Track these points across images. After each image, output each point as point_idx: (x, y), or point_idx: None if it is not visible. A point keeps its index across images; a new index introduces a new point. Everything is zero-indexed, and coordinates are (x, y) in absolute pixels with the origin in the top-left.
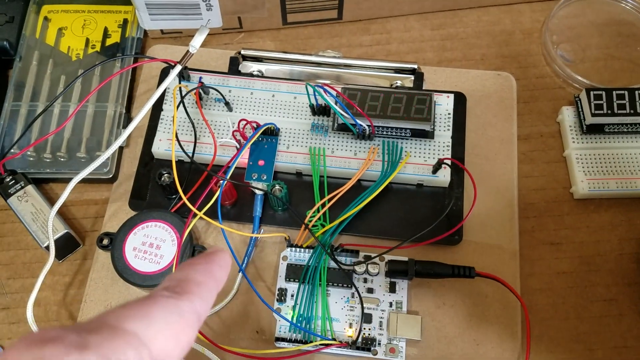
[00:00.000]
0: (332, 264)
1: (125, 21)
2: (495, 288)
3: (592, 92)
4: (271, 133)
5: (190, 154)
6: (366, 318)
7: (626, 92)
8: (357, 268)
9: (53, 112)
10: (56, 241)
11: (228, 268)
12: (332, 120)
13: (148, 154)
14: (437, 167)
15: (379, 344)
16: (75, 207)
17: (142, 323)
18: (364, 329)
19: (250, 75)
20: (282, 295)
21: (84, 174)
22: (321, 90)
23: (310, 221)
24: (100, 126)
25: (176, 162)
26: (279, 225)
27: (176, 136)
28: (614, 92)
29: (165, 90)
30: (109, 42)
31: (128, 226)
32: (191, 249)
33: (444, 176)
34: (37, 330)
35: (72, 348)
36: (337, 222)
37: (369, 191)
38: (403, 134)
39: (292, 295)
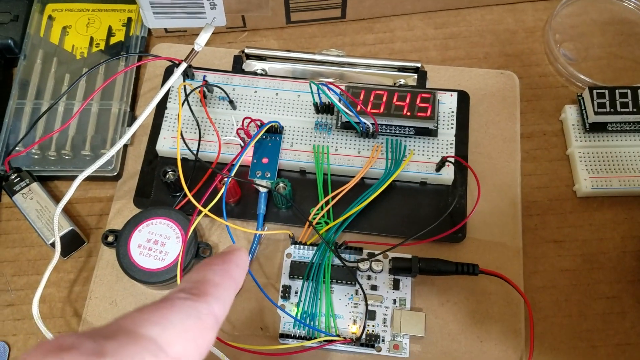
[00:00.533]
0: (336, 261)
1: (130, 20)
2: (498, 285)
3: (595, 91)
4: (275, 131)
5: (195, 152)
6: (370, 315)
7: (629, 91)
8: (360, 265)
9: (57, 110)
10: (61, 238)
11: (246, 267)
12: (336, 118)
13: (152, 152)
14: (440, 165)
15: (383, 340)
16: (80, 205)
17: (159, 327)
18: (368, 325)
19: (254, 73)
20: (286, 292)
21: (88, 171)
22: (325, 89)
23: (314, 219)
24: (105, 124)
25: (180, 160)
26: (282, 223)
27: (181, 134)
28: (616, 91)
29: (169, 89)
30: (113, 40)
31: (133, 223)
32: (196, 246)
33: (448, 174)
34: (53, 338)
35: (88, 356)
36: (340, 219)
37: (373, 189)
38: (406, 132)
39: (296, 292)
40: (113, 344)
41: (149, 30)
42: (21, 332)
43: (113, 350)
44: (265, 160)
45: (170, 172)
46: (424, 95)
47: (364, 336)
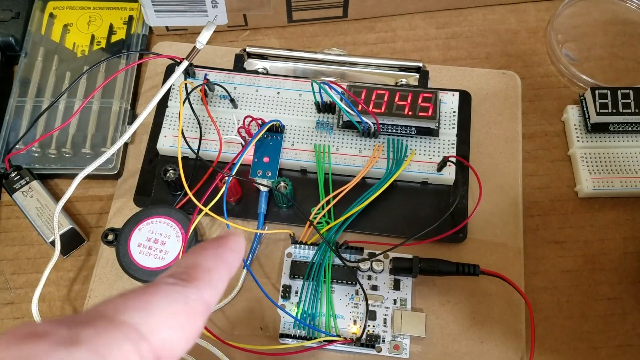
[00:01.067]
0: (337, 261)
1: (131, 18)
2: (499, 286)
3: (597, 91)
4: (276, 130)
5: (196, 151)
6: (370, 315)
7: (631, 92)
8: (361, 265)
9: (58, 108)
10: (61, 237)
11: (241, 252)
12: (337, 117)
13: (153, 150)
14: (442, 165)
15: (383, 340)
16: (80, 203)
17: (141, 313)
18: (368, 325)
19: (256, 72)
20: (286, 291)
21: (89, 169)
22: (327, 87)
23: (314, 218)
24: (106, 122)
25: (181, 158)
26: (283, 222)
27: (182, 132)
28: (619, 91)
29: (170, 87)
30: (114, 38)
31: (133, 222)
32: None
33: (449, 174)
34: (26, 323)
35: (60, 344)
36: (341, 219)
37: (374, 189)
38: (408, 132)
39: (297, 292)
40: (89, 331)
41: (150, 28)
42: None
43: (88, 338)
44: (266, 159)
45: (170, 171)
46: (425, 95)
47: (364, 336)
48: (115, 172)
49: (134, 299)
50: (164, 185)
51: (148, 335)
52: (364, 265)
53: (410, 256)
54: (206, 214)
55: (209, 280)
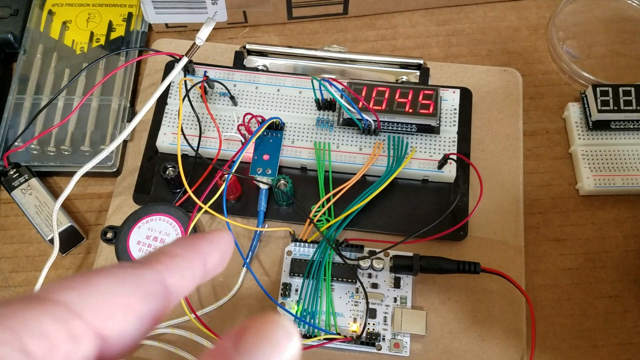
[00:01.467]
0: (337, 259)
1: (130, 15)
2: (500, 284)
3: (598, 89)
4: (276, 127)
5: (195, 148)
6: (371, 313)
7: (633, 89)
8: (361, 263)
9: (57, 106)
10: (60, 234)
11: (223, 245)
12: (338, 115)
13: (152, 148)
14: (442, 163)
15: (384, 339)
16: (79, 201)
17: (78, 292)
18: (369, 324)
19: (255, 69)
20: (286, 289)
21: (88, 167)
22: (327, 85)
23: (314, 216)
24: (105, 120)
25: (181, 156)
26: (283, 220)
27: (181, 130)
28: (620, 89)
29: (169, 84)
30: (113, 35)
31: (132, 220)
32: None
33: (450, 171)
34: None
35: None
36: (342, 217)
37: (374, 186)
38: (409, 129)
39: (297, 290)
40: (2, 309)
41: (150, 25)
42: None
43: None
44: (266, 156)
45: (170, 168)
46: (426, 92)
47: (364, 334)
48: (115, 169)
49: (74, 280)
50: (163, 182)
51: (84, 313)
52: (364, 263)
53: (411, 254)
54: (206, 211)
55: (172, 265)
